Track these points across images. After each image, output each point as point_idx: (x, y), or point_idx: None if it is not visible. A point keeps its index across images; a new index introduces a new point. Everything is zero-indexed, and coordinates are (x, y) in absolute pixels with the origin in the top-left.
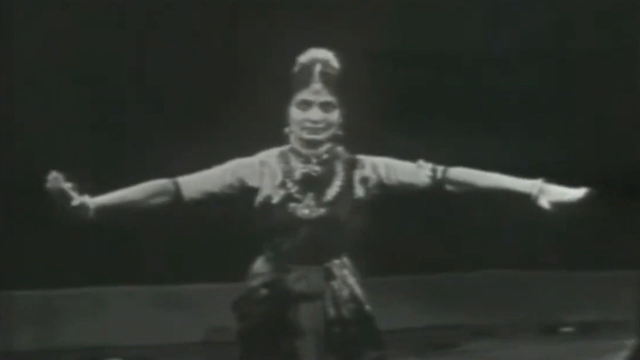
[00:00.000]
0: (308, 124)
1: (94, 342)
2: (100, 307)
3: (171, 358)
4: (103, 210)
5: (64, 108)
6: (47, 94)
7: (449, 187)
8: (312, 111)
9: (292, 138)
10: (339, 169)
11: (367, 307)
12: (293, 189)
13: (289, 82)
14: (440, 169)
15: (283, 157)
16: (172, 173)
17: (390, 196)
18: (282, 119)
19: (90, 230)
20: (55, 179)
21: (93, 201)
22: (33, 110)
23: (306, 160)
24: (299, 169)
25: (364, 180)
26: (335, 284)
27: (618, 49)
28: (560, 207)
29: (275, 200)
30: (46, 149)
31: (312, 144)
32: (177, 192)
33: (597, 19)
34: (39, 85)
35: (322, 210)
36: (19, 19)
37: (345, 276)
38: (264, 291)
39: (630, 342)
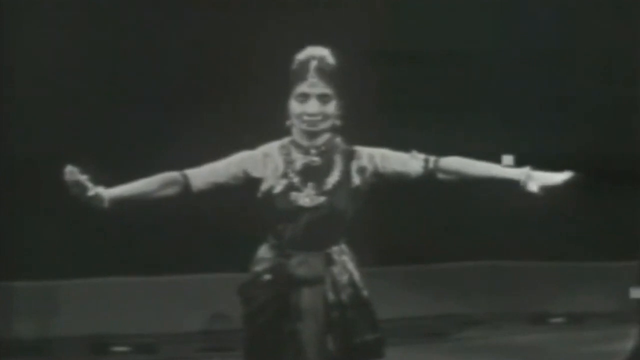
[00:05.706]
0: (306, 117)
1: (96, 332)
2: (103, 297)
3: (173, 346)
4: (117, 200)
5: (72, 102)
6: (54, 87)
7: (441, 176)
8: (310, 104)
9: (293, 130)
10: (338, 159)
11: (365, 293)
12: (294, 179)
13: (289, 79)
14: (432, 158)
15: (284, 149)
16: (181, 166)
17: (386, 185)
18: (283, 114)
19: (91, 222)
20: (72, 172)
21: (108, 192)
22: (37, 102)
23: (306, 151)
24: (300, 160)
25: (361, 170)
26: (335, 269)
27: (607, 42)
28: (548, 191)
29: (278, 189)
30: (46, 141)
31: (311, 135)
32: (186, 183)
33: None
34: (44, 78)
35: (321, 199)
36: (26, 11)
37: (345, 262)
38: (267, 276)
39: (633, 331)
